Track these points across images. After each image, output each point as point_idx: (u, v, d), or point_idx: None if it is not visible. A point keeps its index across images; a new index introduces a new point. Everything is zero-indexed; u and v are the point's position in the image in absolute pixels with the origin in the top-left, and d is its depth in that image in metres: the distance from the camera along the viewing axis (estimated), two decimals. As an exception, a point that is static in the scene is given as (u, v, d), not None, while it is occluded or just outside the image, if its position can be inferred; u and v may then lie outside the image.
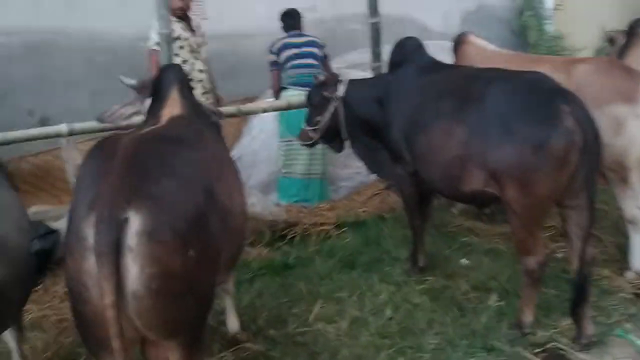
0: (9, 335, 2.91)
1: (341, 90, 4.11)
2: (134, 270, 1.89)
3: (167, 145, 2.23)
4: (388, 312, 3.48)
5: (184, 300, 2.02)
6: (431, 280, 3.82)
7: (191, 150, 2.30)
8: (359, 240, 4.53)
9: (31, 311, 3.67)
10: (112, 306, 1.86)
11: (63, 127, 3.83)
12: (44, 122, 5.21)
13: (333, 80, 4.20)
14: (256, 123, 5.58)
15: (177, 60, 4.94)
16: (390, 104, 3.81)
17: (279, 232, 4.61)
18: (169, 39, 4.19)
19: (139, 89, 3.31)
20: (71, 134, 3.84)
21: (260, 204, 4.49)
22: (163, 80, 2.97)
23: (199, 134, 2.58)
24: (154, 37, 4.81)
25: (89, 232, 1.89)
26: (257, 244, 4.46)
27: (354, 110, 4.06)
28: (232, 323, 3.31)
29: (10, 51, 5.25)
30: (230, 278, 3.21)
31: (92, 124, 4.01)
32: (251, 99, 5.84)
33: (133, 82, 3.39)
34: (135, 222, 1.90)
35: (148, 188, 1.98)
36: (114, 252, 1.86)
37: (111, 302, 1.86)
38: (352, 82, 4.18)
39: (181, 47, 4.92)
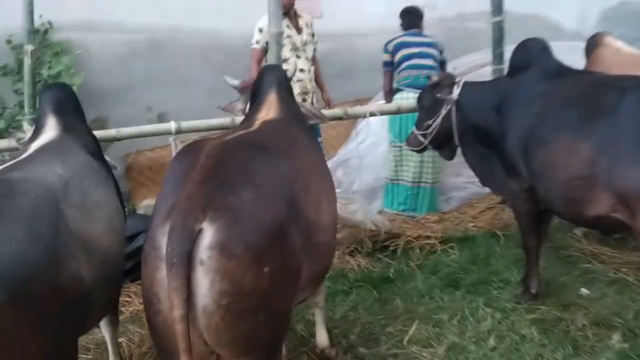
0: (104, 328, 2.99)
1: (456, 93, 3.83)
2: (204, 285, 1.80)
3: (251, 152, 2.12)
4: (491, 342, 3.18)
5: (257, 318, 1.90)
6: (544, 309, 3.45)
7: (277, 158, 2.18)
8: (466, 258, 4.23)
9: (132, 304, 3.77)
10: (181, 320, 1.78)
11: (172, 125, 3.91)
12: (161, 119, 5.40)
13: (448, 81, 3.94)
14: (364, 126, 5.38)
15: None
16: (507, 111, 3.51)
17: (380, 243, 4.41)
18: (279, 38, 4.13)
19: (241, 90, 3.29)
20: (179, 131, 3.90)
21: (362, 211, 4.31)
22: (262, 81, 2.90)
23: (290, 140, 2.46)
24: (256, 36, 4.85)
25: (163, 242, 1.83)
26: (356, 253, 4.29)
27: (468, 115, 3.80)
28: (321, 338, 3.15)
29: (134, 48, 5.49)
30: (321, 290, 3.07)
31: (199, 123, 4.08)
32: (364, 101, 5.69)
33: (236, 82, 3.39)
34: (208, 234, 1.81)
35: (225, 198, 1.88)
36: (186, 264, 1.78)
37: (180, 316, 1.78)
38: (468, 85, 3.90)
39: (282, 45, 4.81)
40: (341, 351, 3.19)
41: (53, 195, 2.06)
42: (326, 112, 4.56)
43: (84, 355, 3.26)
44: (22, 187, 1.99)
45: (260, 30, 4.91)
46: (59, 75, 4.88)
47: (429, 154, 4.82)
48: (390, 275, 4.05)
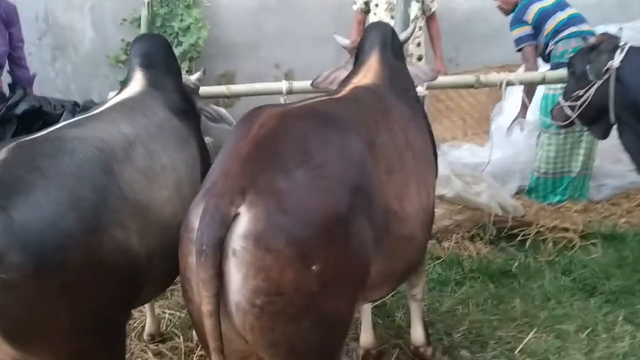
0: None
1: (618, 59, 3.22)
2: (236, 279, 1.54)
3: (314, 125, 1.77)
4: (626, 366, 2.67)
5: (301, 323, 1.60)
6: (701, 335, 2.82)
7: (349, 134, 1.81)
8: (609, 259, 3.63)
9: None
10: (210, 316, 1.54)
11: (283, 84, 3.69)
12: (288, 76, 5.22)
13: (608, 45, 3.32)
14: (511, 98, 4.69)
15: (370, 20, 4.64)
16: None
17: (507, 230, 3.89)
18: (407, -4, 3.68)
19: (351, 51, 2.95)
20: (290, 91, 3.67)
21: (490, 193, 3.78)
22: (365, 42, 2.56)
23: (379, 112, 2.08)
24: None
25: (197, 224, 1.57)
26: (477, 239, 3.82)
27: (631, 88, 3.19)
28: (417, 334, 2.78)
29: (265, 3, 5.34)
30: (418, 282, 2.70)
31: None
32: (510, 68, 4.99)
33: (347, 42, 3.07)
34: (243, 221, 1.52)
35: (270, 179, 1.57)
36: (216, 253, 1.52)
37: (208, 312, 1.54)
38: (635, 51, 3.24)
39: (377, 5, 4.66)
40: (440, 351, 2.85)
41: (107, 156, 1.90)
42: (456, 78, 4.07)
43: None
44: (71, 145, 1.84)
45: None
46: (188, 28, 4.87)
47: (586, 140, 4.16)
48: (513, 269, 3.58)
